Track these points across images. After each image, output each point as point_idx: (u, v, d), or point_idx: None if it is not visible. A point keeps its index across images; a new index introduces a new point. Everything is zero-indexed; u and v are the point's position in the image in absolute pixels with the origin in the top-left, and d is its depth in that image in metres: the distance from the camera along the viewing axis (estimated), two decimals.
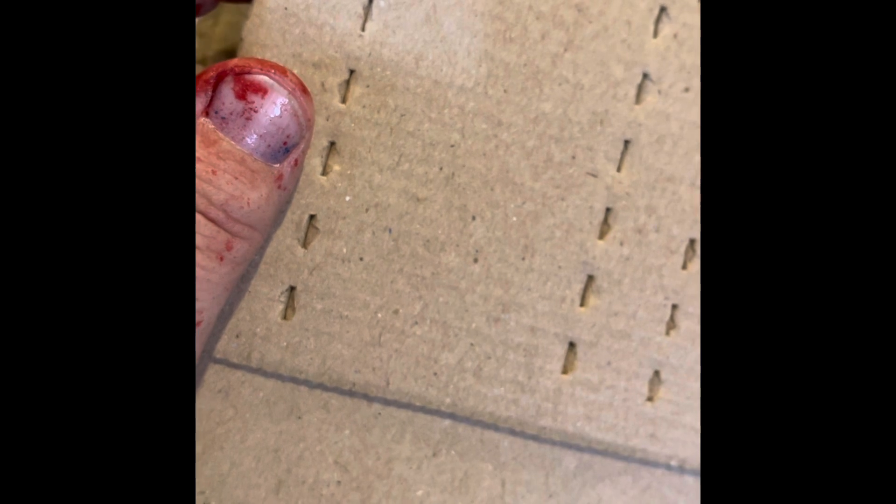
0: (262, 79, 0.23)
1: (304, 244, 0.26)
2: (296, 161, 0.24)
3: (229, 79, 0.23)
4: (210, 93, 0.23)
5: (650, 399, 0.29)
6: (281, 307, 0.27)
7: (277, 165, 0.24)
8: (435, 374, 0.27)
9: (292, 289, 0.26)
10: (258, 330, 0.26)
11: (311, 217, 0.26)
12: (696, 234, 0.29)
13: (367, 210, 0.27)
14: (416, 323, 0.27)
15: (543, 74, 0.27)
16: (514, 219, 0.27)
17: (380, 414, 0.28)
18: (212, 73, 0.23)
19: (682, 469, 0.30)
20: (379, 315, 0.27)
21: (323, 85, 0.26)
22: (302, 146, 0.24)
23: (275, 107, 0.23)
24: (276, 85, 0.23)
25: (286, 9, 0.25)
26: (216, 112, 0.23)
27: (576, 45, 0.27)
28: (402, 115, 0.26)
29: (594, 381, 0.28)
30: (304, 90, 0.24)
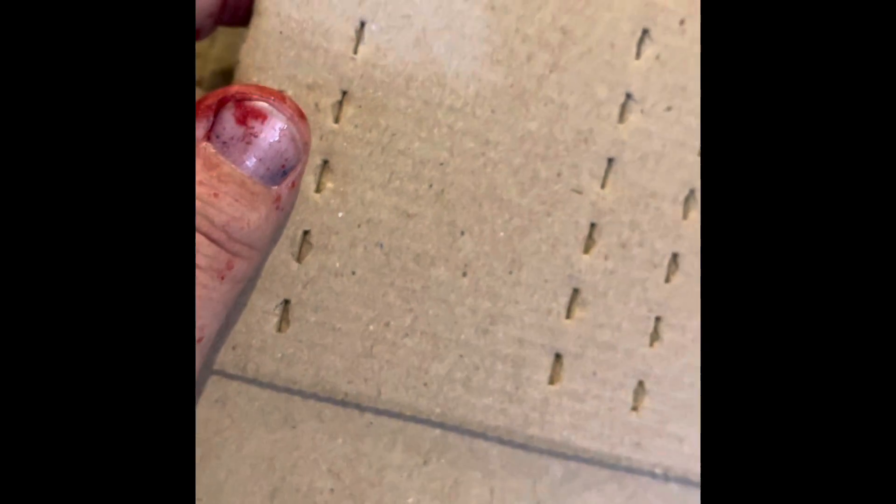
0: (262, 105, 0.24)
1: (299, 259, 0.27)
2: (293, 183, 0.25)
3: (230, 105, 0.24)
4: (211, 118, 0.23)
5: (635, 409, 0.29)
6: (276, 320, 0.27)
7: (276, 187, 0.24)
8: (425, 384, 0.28)
9: (287, 302, 0.27)
10: (254, 342, 0.27)
11: (306, 233, 0.27)
12: (679, 249, 0.29)
13: (359, 226, 0.27)
14: (407, 335, 0.28)
15: (530, 95, 0.27)
16: (502, 234, 0.28)
17: (372, 423, 0.28)
18: (213, 100, 0.24)
19: (666, 477, 0.30)
20: (371, 327, 0.27)
21: (317, 105, 0.26)
22: (299, 168, 0.25)
23: (274, 132, 0.24)
24: (275, 111, 0.24)
25: (281, 32, 0.26)
26: (217, 136, 0.23)
27: (561, 67, 0.27)
28: (393, 135, 0.27)
29: (580, 391, 0.29)
30: (302, 115, 0.25)
